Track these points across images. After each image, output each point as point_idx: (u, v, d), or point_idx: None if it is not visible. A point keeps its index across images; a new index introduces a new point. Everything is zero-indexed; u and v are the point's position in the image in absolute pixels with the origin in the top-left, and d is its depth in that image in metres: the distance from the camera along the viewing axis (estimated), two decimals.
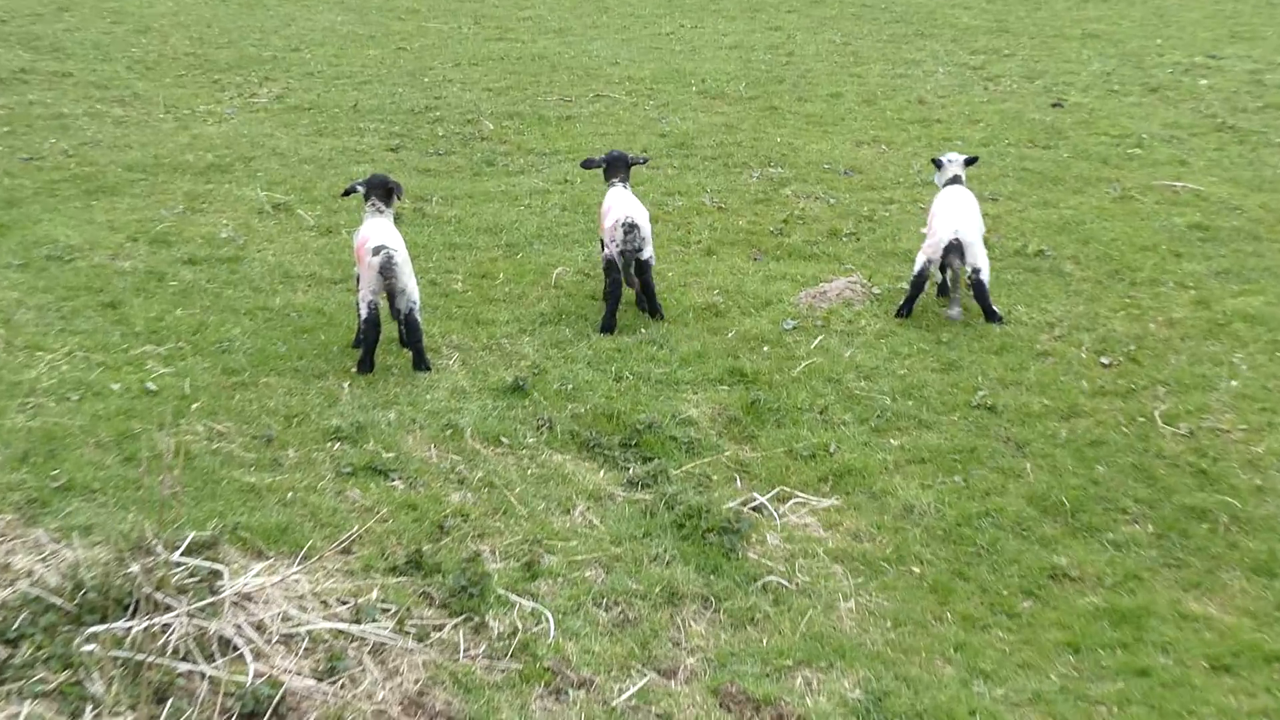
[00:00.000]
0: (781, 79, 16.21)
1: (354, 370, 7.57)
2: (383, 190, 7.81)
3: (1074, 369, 7.95)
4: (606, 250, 8.25)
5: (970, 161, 9.13)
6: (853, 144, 13.23)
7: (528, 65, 17.11)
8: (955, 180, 9.03)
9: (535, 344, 8.16)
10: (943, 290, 8.90)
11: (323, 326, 8.22)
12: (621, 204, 8.39)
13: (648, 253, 8.29)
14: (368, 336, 7.51)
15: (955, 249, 8.36)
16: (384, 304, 7.65)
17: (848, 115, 14.40)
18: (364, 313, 7.49)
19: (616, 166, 8.78)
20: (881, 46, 18.51)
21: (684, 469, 6.78)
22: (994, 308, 8.58)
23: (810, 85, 15.83)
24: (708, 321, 8.65)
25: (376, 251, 7.37)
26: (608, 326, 8.27)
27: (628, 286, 8.38)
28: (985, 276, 8.48)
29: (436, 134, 13.43)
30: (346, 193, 7.89)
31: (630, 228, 8.13)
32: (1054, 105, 14.62)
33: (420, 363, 7.64)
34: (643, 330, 8.42)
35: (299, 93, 15.34)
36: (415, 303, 7.53)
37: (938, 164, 9.18)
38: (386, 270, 7.35)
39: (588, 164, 8.83)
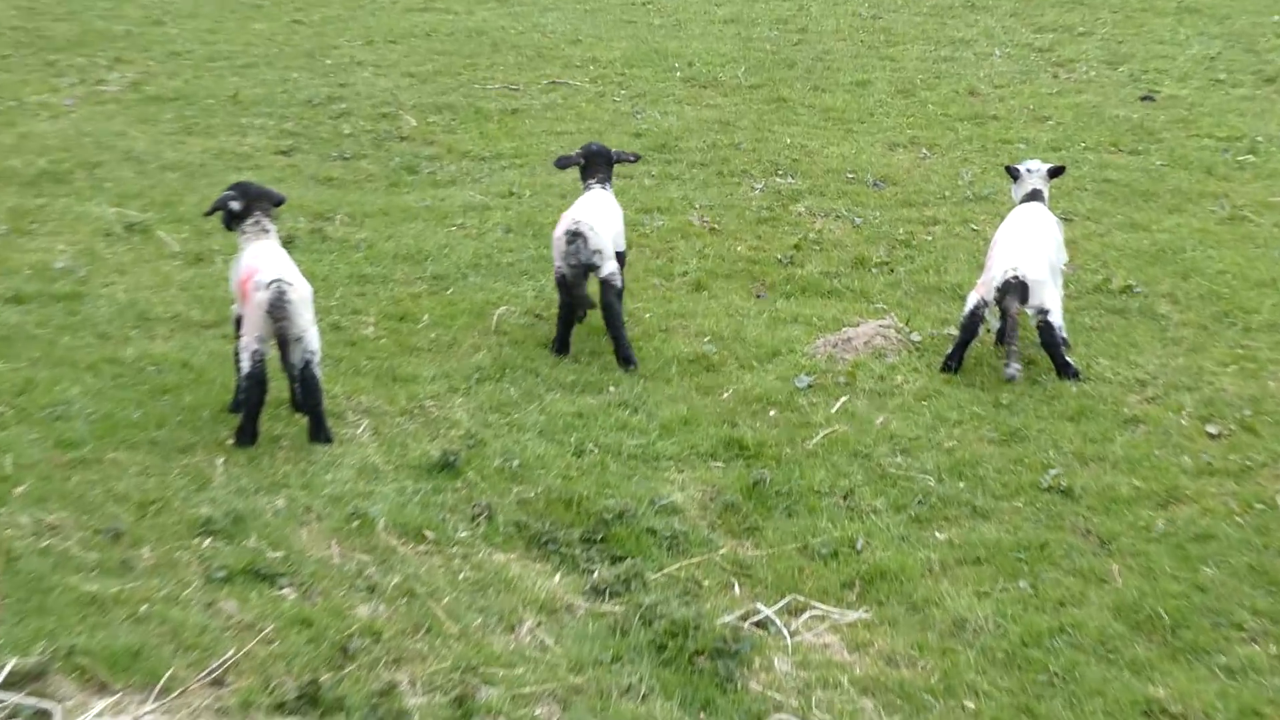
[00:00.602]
0: (792, 62, 16.42)
1: (231, 442, 7.56)
2: (269, 203, 7.86)
3: (1172, 440, 8.03)
4: (556, 265, 8.71)
5: (1055, 172, 9.28)
6: (884, 147, 13.40)
7: (462, 43, 17.28)
8: (1033, 196, 9.16)
9: (470, 407, 8.18)
10: (1001, 337, 8.98)
11: (190, 385, 8.21)
12: (578, 207, 8.76)
13: (608, 269, 8.58)
14: (250, 397, 7.52)
15: (1013, 289, 8.47)
16: (274, 355, 7.65)
17: (878, 110, 14.59)
18: (245, 366, 7.50)
19: (596, 164, 9.13)
20: (921, 21, 18.80)
21: (665, 571, 6.79)
22: (1068, 360, 8.68)
23: (829, 70, 16.05)
24: (697, 378, 8.70)
25: (268, 286, 7.39)
26: (558, 345, 8.83)
27: (590, 309, 8.78)
28: (1056, 319, 8.58)
29: (341, 132, 13.52)
30: (214, 210, 7.91)
31: (573, 235, 8.51)
32: (1143, 98, 14.87)
33: (319, 432, 7.65)
34: (611, 389, 8.46)
35: (161, 79, 15.41)
36: (314, 354, 7.54)
37: (1013, 174, 9.33)
38: (278, 309, 7.37)
39: (562, 162, 9.21)
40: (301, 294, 7.50)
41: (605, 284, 8.68)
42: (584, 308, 8.70)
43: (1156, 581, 6.84)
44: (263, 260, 7.61)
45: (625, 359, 8.74)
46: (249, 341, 7.46)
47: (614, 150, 9.29)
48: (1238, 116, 14.22)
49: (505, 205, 11.61)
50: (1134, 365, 8.90)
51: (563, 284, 8.66)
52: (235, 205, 7.81)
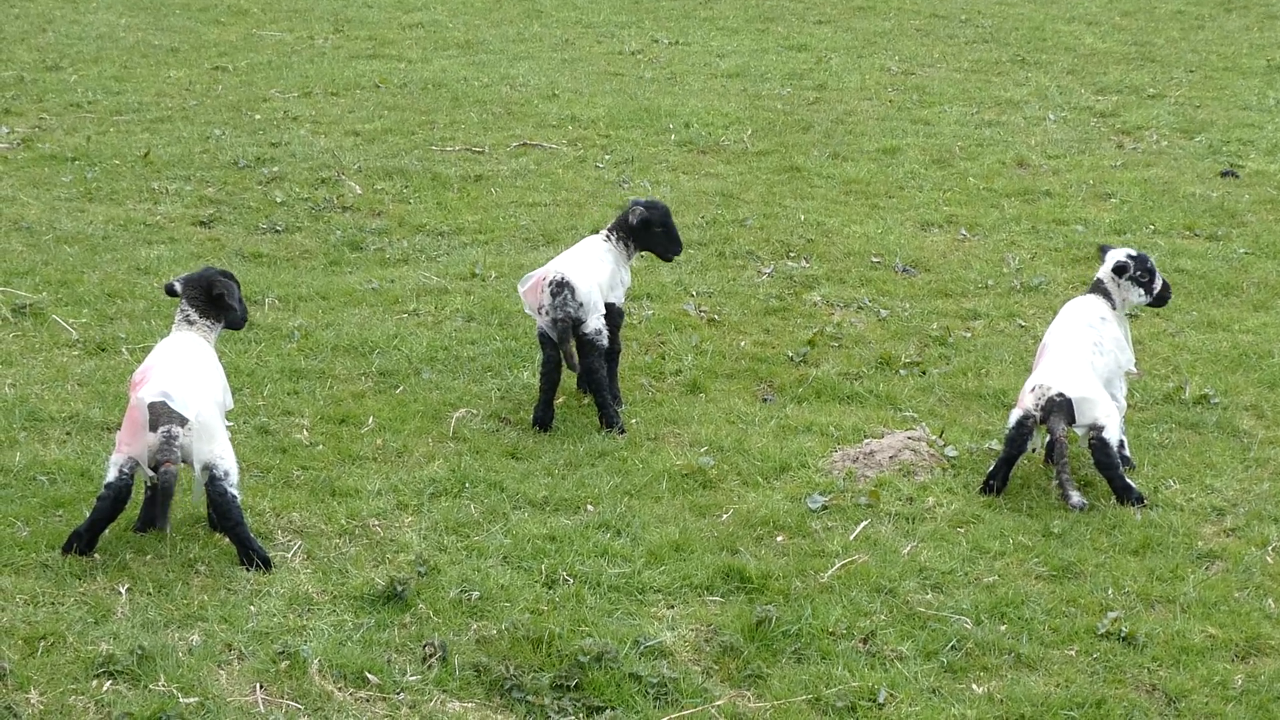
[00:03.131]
0: (807, 125, 16.65)
1: (62, 550, 7.69)
2: (201, 291, 8.07)
3: (1255, 580, 8.11)
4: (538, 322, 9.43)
5: (1118, 270, 9.24)
6: (916, 226, 13.58)
7: (416, 97, 17.50)
8: (1094, 287, 9.29)
9: (422, 528, 8.28)
10: (1050, 452, 9.10)
11: (88, 498, 8.27)
12: (566, 256, 9.54)
13: (592, 325, 9.32)
14: (101, 509, 7.67)
15: (1058, 408, 8.67)
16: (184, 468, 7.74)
17: (908, 182, 14.80)
18: (110, 475, 7.67)
19: (623, 220, 9.85)
20: (961, 79, 19.07)
21: None
22: (1129, 483, 8.80)
23: (852, 135, 16.28)
24: (690, 495, 8.81)
25: (155, 423, 7.52)
26: (538, 419, 9.51)
27: (569, 369, 9.49)
28: (1113, 435, 8.73)
29: (273, 200, 13.68)
30: (170, 290, 8.25)
31: (559, 286, 9.27)
32: (1224, 174, 15.11)
33: (249, 558, 7.74)
34: (590, 507, 8.57)
35: (58, 134, 15.58)
36: (230, 473, 7.70)
37: (1102, 252, 9.46)
38: (166, 450, 7.53)
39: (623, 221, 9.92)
40: (205, 417, 7.64)
41: (588, 342, 9.35)
42: (573, 365, 9.34)
43: None
44: (162, 362, 7.80)
45: (608, 423, 9.42)
46: (119, 455, 7.65)
47: (643, 206, 9.82)
48: None
49: (466, 289, 11.75)
50: (1210, 490, 9.01)
51: (544, 341, 9.35)
52: (175, 287, 8.16)
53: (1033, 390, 8.77)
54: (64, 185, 13.94)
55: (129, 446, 7.62)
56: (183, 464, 7.62)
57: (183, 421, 7.57)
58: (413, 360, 10.38)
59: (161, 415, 7.56)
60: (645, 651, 7.24)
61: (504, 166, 14.92)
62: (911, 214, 13.88)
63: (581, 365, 9.44)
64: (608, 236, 9.80)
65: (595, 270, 9.51)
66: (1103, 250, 9.47)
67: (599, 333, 9.41)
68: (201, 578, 7.65)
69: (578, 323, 9.33)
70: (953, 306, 11.77)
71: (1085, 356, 8.93)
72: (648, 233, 9.81)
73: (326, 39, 20.56)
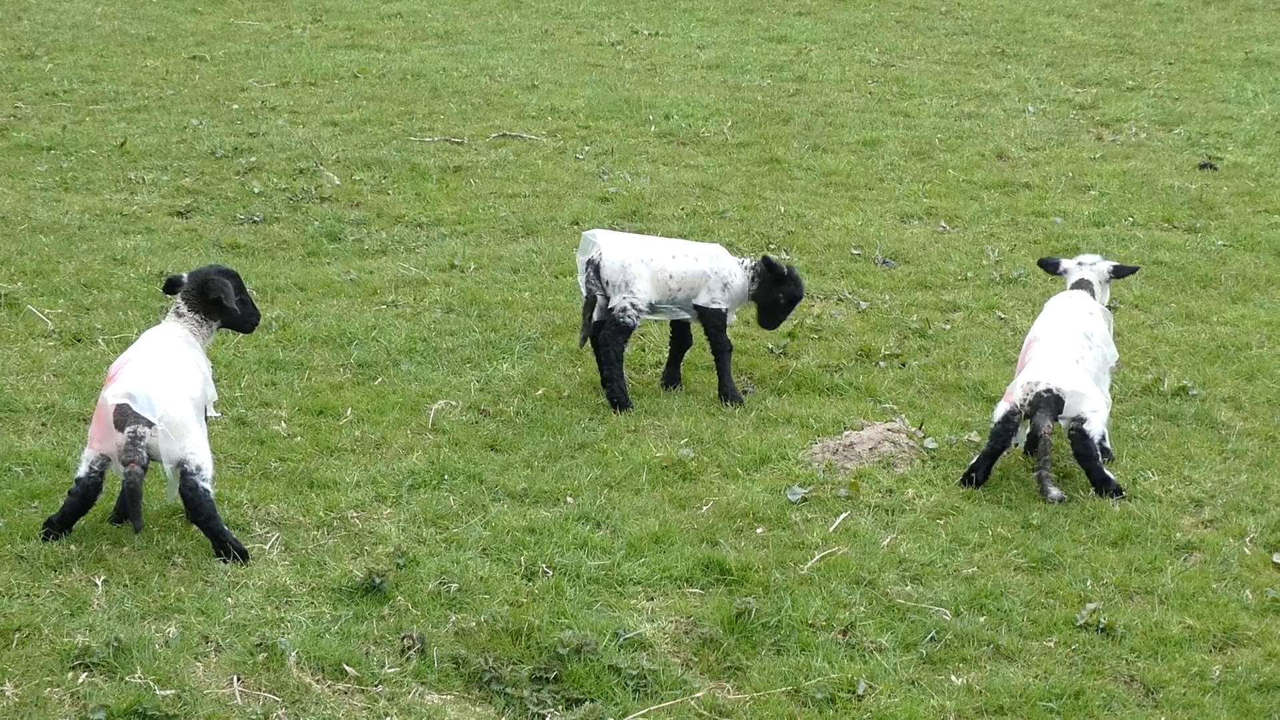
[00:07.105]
0: (788, 116, 16.68)
1: (42, 539, 7.71)
2: (196, 289, 8.14)
3: (1233, 571, 8.16)
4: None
5: (1121, 272, 9.59)
6: (896, 218, 13.62)
7: (395, 88, 17.50)
8: (1080, 284, 9.43)
9: (401, 520, 8.28)
10: (1032, 446, 9.14)
11: (64, 489, 8.25)
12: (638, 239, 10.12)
13: (616, 300, 9.71)
14: (71, 503, 7.73)
15: (1046, 404, 8.71)
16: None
17: (888, 174, 14.84)
18: (81, 470, 7.72)
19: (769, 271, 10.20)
20: (941, 70, 19.13)
21: (631, 718, 6.87)
22: (1108, 474, 8.84)
23: (832, 127, 16.31)
24: (670, 487, 8.83)
25: (121, 424, 7.53)
26: (614, 399, 9.83)
27: (581, 344, 9.96)
28: (1095, 428, 8.77)
29: (250, 191, 13.66)
30: (172, 284, 8.28)
31: (588, 261, 9.75)
32: (1202, 166, 15.18)
33: (224, 550, 7.74)
34: (569, 499, 8.58)
35: (33, 123, 15.55)
36: (202, 468, 7.69)
37: (1050, 267, 9.77)
38: (131, 451, 7.54)
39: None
40: (178, 416, 7.64)
41: (611, 320, 9.65)
42: (580, 341, 9.90)
43: None
44: (128, 364, 7.81)
45: (613, 402, 9.67)
46: (91, 454, 7.68)
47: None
48: None
49: (445, 280, 11.76)
50: (1188, 481, 9.05)
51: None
52: (178, 280, 8.23)
53: (1023, 385, 8.80)
54: (39, 174, 13.92)
55: (100, 444, 7.67)
56: (152, 462, 7.63)
57: (149, 423, 7.58)
58: (391, 352, 10.38)
59: (128, 416, 7.59)
60: (625, 644, 7.26)
61: (483, 157, 14.93)
62: (891, 206, 13.92)
63: (600, 338, 9.73)
64: (745, 262, 10.01)
65: (637, 252, 9.72)
66: (1049, 265, 9.75)
67: (623, 311, 9.62)
68: (178, 570, 7.65)
69: (604, 299, 9.65)
70: (932, 298, 11.81)
71: (1075, 350, 8.98)
72: (771, 296, 10.03)
73: (305, 28, 20.57)
